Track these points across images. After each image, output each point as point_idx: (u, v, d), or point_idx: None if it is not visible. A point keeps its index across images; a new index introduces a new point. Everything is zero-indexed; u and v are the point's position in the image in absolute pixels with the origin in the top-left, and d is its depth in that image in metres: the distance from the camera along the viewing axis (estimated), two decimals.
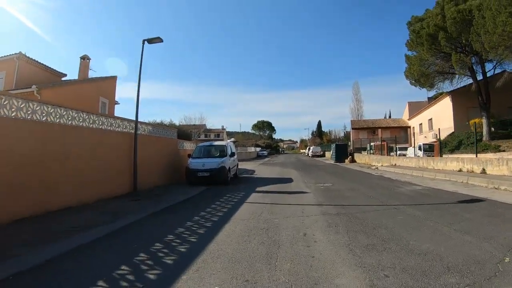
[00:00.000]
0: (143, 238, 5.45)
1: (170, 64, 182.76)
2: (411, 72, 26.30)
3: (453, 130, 27.35)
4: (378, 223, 5.94)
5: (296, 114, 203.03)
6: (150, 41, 12.19)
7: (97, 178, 9.66)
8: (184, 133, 31.77)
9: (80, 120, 9.16)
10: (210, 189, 12.69)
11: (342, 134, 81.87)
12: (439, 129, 20.41)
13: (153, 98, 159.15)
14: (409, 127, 45.07)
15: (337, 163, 31.42)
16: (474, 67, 24.22)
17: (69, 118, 8.69)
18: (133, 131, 11.93)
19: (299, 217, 6.63)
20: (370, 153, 30.10)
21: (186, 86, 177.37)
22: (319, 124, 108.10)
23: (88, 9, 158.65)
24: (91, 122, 9.64)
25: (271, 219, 6.51)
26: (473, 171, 13.61)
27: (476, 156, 14.37)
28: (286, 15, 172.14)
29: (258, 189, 12.22)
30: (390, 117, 64.74)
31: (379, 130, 48.24)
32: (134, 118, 12.04)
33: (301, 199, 9.33)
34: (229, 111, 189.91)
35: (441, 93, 52.45)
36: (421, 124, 38.59)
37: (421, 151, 24.85)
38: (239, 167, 28.28)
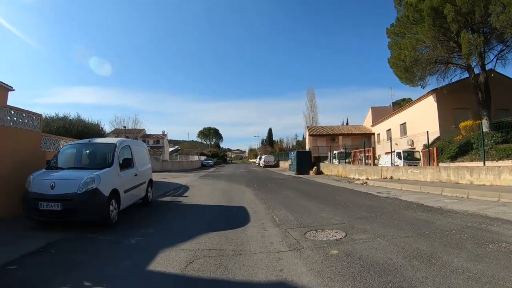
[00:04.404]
0: None
1: (117, 70, 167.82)
2: (401, 59, 20.31)
3: (439, 135, 22.23)
4: None
5: (244, 124, 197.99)
6: None
7: None
8: (98, 134, 23.11)
9: None
10: (58, 244, 5.26)
11: (294, 143, 76.82)
12: (427, 132, 14.37)
13: (100, 104, 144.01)
14: (373, 134, 40.43)
15: (300, 175, 24.70)
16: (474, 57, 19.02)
17: None
18: None
19: None
20: (345, 163, 23.61)
21: (134, 93, 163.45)
22: (270, 132, 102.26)
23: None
24: None
25: None
26: None
27: None
28: (239, 24, 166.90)
29: (162, 257, 4.39)
30: (347, 124, 60.38)
31: (340, 137, 43.04)
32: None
33: None
34: (177, 119, 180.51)
35: (404, 99, 49.04)
36: (389, 130, 33.90)
37: (400, 159, 19.48)
38: (169, 180, 20.41)
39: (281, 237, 5.38)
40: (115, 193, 6.66)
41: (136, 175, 8.21)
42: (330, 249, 4.57)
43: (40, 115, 10.19)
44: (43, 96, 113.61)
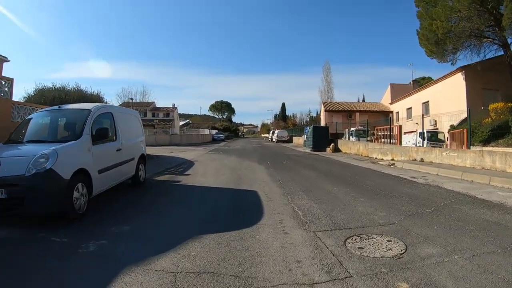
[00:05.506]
0: None
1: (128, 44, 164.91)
2: (433, 30, 17.84)
3: (466, 116, 20.01)
4: None
5: (257, 98, 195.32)
6: None
7: None
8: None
9: None
10: None
11: (308, 119, 74.62)
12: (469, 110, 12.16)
13: (114, 78, 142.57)
14: (391, 112, 37.97)
15: (316, 152, 22.90)
16: None
17: None
18: None
19: None
20: (367, 141, 21.65)
21: (148, 67, 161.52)
22: (283, 107, 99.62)
23: None
24: None
25: None
26: None
27: None
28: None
29: (122, 286, 2.75)
30: (363, 101, 57.53)
31: (357, 113, 40.79)
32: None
33: None
34: (189, 93, 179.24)
35: (424, 78, 45.83)
36: (409, 108, 31.74)
37: (424, 140, 17.76)
38: (175, 155, 18.65)
39: (311, 248, 3.62)
40: (83, 174, 5.00)
41: (119, 149, 6.51)
42: (394, 279, 2.80)
43: (11, 79, 8.53)
44: (56, 71, 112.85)
